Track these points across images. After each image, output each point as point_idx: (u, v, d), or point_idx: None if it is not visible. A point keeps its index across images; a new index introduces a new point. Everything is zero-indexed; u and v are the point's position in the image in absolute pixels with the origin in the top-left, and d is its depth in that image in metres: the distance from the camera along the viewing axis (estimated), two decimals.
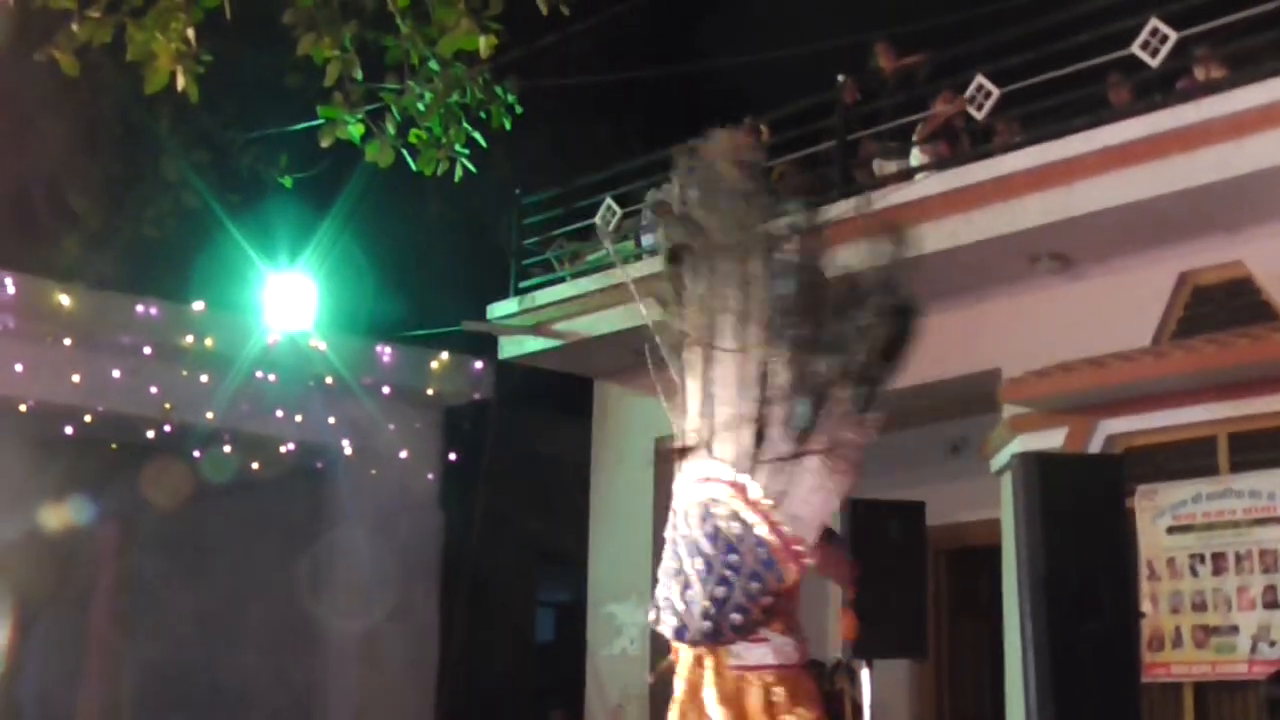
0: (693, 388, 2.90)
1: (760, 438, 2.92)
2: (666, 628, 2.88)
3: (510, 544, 13.41)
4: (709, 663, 2.87)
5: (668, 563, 2.93)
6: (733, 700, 2.84)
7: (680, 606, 2.84)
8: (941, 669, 10.46)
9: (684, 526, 2.92)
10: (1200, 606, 7.76)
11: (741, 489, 2.86)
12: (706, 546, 2.85)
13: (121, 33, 5.92)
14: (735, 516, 2.86)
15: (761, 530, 2.83)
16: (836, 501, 2.85)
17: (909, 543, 7.69)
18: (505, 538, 13.22)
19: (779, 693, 2.83)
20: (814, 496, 2.84)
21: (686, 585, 2.85)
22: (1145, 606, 7.77)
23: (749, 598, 2.82)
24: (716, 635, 2.85)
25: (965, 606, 10.57)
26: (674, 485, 3.01)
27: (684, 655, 2.94)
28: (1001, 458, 8.60)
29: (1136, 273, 8.49)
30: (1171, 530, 7.94)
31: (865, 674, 7.40)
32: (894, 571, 7.51)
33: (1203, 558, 7.80)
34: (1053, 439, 8.21)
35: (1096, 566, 6.62)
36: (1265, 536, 7.57)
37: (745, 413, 2.87)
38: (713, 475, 2.88)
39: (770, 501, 2.83)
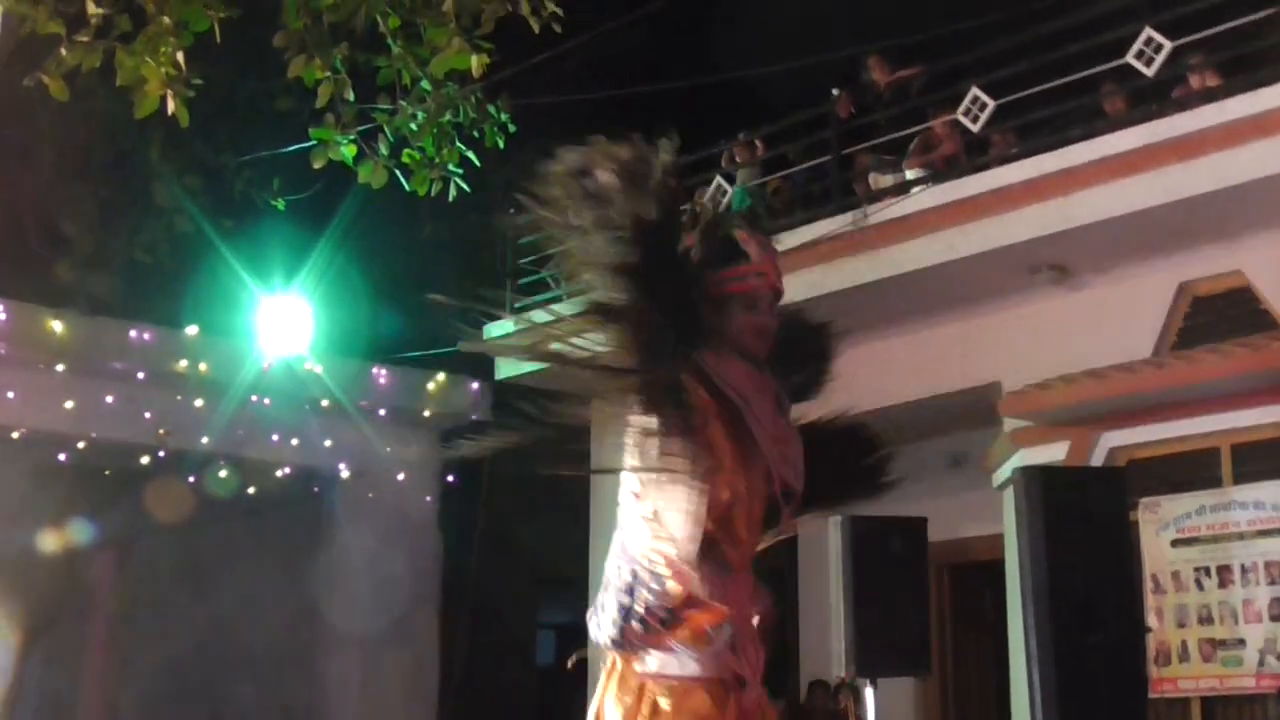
0: None
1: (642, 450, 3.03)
2: (590, 630, 2.98)
3: (510, 566, 13.38)
4: (618, 665, 2.94)
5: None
6: (629, 707, 2.88)
7: (599, 609, 2.96)
8: (946, 685, 10.43)
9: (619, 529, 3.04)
10: (1206, 620, 7.74)
11: (637, 498, 2.97)
12: (620, 552, 2.97)
13: (111, 58, 5.93)
14: (636, 525, 2.97)
15: (653, 543, 2.91)
16: (695, 528, 2.87)
17: (911, 559, 7.66)
18: (505, 560, 13.20)
19: (664, 704, 2.86)
20: (679, 517, 2.90)
21: (605, 588, 2.95)
22: (1151, 620, 7.74)
23: (647, 608, 2.90)
24: (621, 642, 2.93)
25: (969, 622, 10.53)
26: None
27: (606, 658, 3.03)
28: (1003, 472, 8.59)
29: (1136, 283, 8.49)
30: (1176, 543, 7.92)
31: (869, 692, 7.37)
32: (896, 588, 7.48)
33: (1208, 570, 7.78)
34: (1054, 452, 8.19)
35: (1101, 580, 6.59)
36: (1270, 548, 7.55)
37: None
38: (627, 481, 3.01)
39: (652, 514, 2.92)
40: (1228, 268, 8.17)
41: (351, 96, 6.66)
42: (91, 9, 5.86)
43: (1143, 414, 8.00)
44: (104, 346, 11.14)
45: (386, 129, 6.78)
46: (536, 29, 6.58)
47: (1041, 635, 6.54)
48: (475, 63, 6.37)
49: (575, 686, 11.67)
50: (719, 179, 10.51)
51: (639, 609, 2.84)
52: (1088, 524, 6.69)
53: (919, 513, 8.01)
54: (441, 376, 12.76)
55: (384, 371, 12.55)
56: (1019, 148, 8.70)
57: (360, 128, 6.78)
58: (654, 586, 2.84)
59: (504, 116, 7.12)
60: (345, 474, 12.58)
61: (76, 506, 11.86)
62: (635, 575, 2.88)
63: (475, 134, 7.02)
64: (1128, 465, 8.02)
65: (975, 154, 9.09)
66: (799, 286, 3.80)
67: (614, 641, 2.89)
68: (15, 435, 10.98)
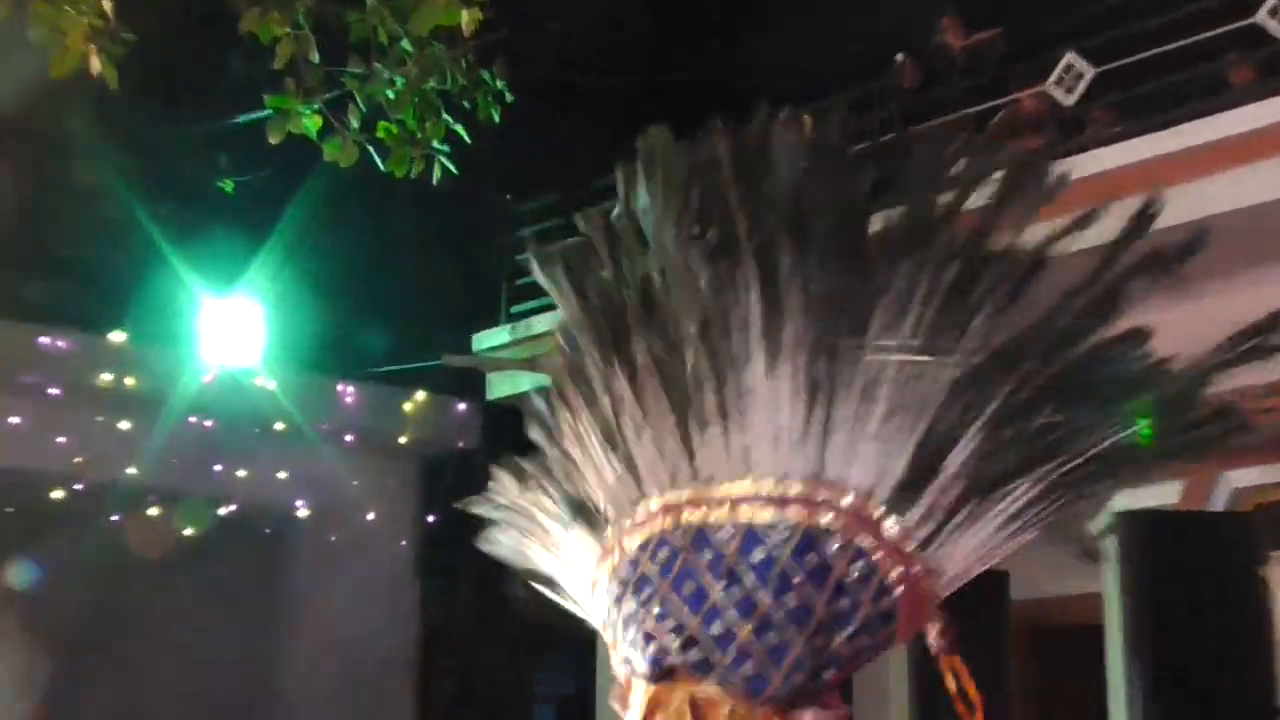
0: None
1: (927, 471, 2.75)
2: (718, 678, 2.70)
3: (502, 624, 13.29)
4: None
5: (670, 584, 2.75)
6: None
7: (757, 654, 2.70)
8: None
9: (740, 552, 2.75)
10: None
11: (871, 524, 2.70)
12: (807, 585, 2.69)
13: (23, 5, 5.89)
14: (859, 555, 2.70)
15: (893, 574, 2.67)
16: (982, 566, 2.71)
17: (989, 621, 7.64)
18: (496, 616, 13.11)
19: None
20: (970, 552, 2.69)
21: (765, 626, 2.67)
22: None
23: (853, 654, 2.68)
24: (800, 697, 2.71)
25: (1060, 699, 10.52)
26: (670, 495, 2.83)
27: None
28: (1102, 517, 8.50)
29: (1263, 289, 8.40)
30: None
31: None
32: (970, 655, 7.38)
33: None
34: (1165, 494, 8.15)
35: (1223, 651, 6.54)
36: None
37: (893, 431, 2.72)
38: (815, 498, 2.73)
39: (914, 544, 2.68)
40: None
41: (316, 57, 6.66)
42: None
43: (1274, 449, 7.91)
44: (8, 356, 11.12)
45: (358, 97, 6.80)
46: None
47: (1150, 717, 6.51)
48: (466, 18, 6.39)
49: None
50: None
51: (842, 654, 2.62)
52: (1206, 581, 6.69)
53: (999, 566, 7.92)
54: (421, 396, 12.76)
55: (352, 389, 12.58)
56: (1122, 126, 8.68)
57: (327, 95, 6.79)
58: (876, 628, 2.63)
59: (500, 84, 7.11)
60: (304, 512, 12.59)
61: None
62: (842, 615, 2.64)
63: (465, 105, 7.01)
64: (1255, 510, 7.97)
65: (1069, 133, 9.04)
66: None
67: (777, 699, 2.65)
68: None
